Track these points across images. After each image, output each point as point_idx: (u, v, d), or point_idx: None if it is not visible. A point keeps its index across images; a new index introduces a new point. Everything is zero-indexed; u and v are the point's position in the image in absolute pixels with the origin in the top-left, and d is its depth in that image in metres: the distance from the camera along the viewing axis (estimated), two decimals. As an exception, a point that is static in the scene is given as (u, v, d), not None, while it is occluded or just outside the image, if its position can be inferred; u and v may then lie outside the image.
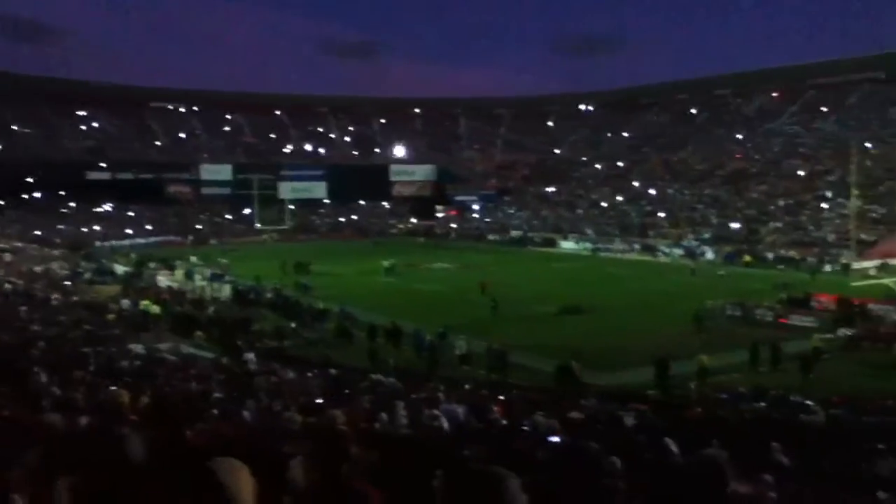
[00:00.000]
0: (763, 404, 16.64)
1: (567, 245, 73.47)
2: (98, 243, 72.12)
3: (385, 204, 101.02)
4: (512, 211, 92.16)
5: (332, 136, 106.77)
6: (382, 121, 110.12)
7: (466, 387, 19.12)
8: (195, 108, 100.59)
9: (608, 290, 43.90)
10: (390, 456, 3.96)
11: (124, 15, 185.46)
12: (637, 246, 67.84)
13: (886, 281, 38.55)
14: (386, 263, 52.84)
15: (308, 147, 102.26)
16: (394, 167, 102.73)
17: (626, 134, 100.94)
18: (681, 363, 23.94)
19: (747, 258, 56.72)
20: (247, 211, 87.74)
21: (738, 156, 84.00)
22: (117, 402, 7.81)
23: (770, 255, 57.52)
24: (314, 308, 35.82)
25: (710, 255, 60.59)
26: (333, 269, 53.96)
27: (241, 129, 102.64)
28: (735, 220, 67.96)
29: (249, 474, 2.12)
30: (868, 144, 68.83)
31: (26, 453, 2.57)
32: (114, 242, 73.27)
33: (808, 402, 15.44)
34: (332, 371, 20.54)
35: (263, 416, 9.37)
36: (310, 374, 19.15)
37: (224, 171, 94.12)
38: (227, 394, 12.85)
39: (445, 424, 8.53)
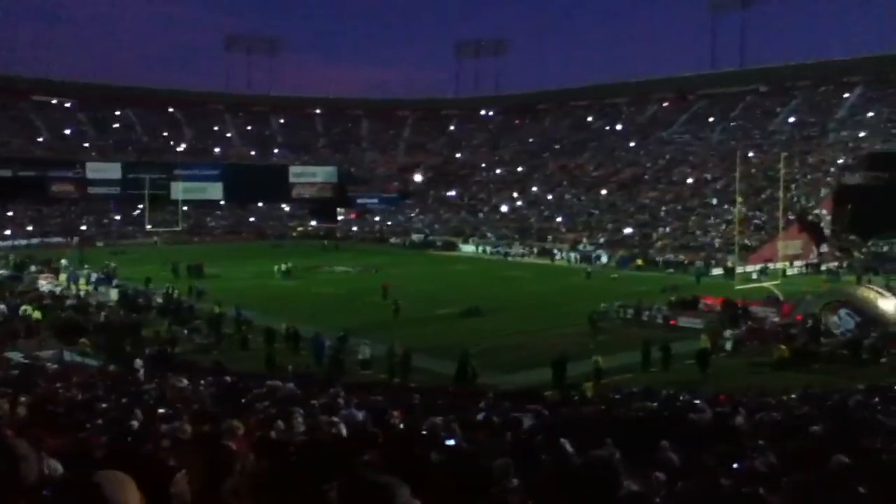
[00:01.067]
0: (654, 404, 17.21)
1: (467, 248, 74.30)
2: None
3: (284, 206, 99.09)
4: (413, 214, 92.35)
5: (229, 134, 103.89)
6: (281, 120, 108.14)
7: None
8: (82, 103, 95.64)
9: (507, 292, 44.65)
10: (284, 465, 3.85)
11: None
12: (535, 249, 69.34)
13: (767, 284, 40.69)
14: (282, 267, 51.86)
15: (203, 146, 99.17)
16: (293, 168, 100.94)
17: (525, 139, 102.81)
18: (577, 364, 24.60)
19: (639, 262, 59.03)
20: (137, 212, 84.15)
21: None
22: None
23: (660, 259, 59.93)
24: (209, 312, 34.80)
25: (604, 258, 62.63)
26: (229, 272, 52.66)
27: (132, 125, 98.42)
28: (628, 226, 70.40)
29: (135, 487, 2.03)
30: (751, 154, 72.71)
31: None
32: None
33: (696, 401, 16.06)
34: (227, 378, 19.97)
35: (152, 426, 8.98)
36: (203, 382, 18.54)
37: (113, 170, 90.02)
38: (114, 403, 12.29)
39: (344, 431, 8.40)
